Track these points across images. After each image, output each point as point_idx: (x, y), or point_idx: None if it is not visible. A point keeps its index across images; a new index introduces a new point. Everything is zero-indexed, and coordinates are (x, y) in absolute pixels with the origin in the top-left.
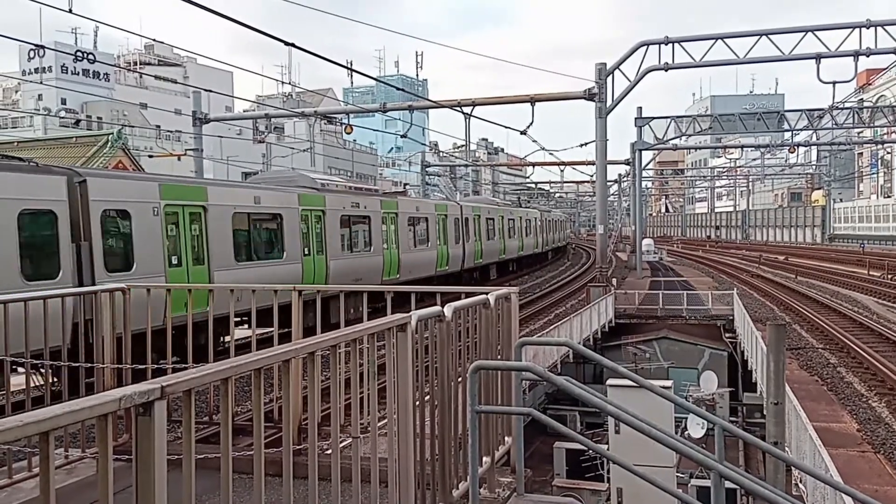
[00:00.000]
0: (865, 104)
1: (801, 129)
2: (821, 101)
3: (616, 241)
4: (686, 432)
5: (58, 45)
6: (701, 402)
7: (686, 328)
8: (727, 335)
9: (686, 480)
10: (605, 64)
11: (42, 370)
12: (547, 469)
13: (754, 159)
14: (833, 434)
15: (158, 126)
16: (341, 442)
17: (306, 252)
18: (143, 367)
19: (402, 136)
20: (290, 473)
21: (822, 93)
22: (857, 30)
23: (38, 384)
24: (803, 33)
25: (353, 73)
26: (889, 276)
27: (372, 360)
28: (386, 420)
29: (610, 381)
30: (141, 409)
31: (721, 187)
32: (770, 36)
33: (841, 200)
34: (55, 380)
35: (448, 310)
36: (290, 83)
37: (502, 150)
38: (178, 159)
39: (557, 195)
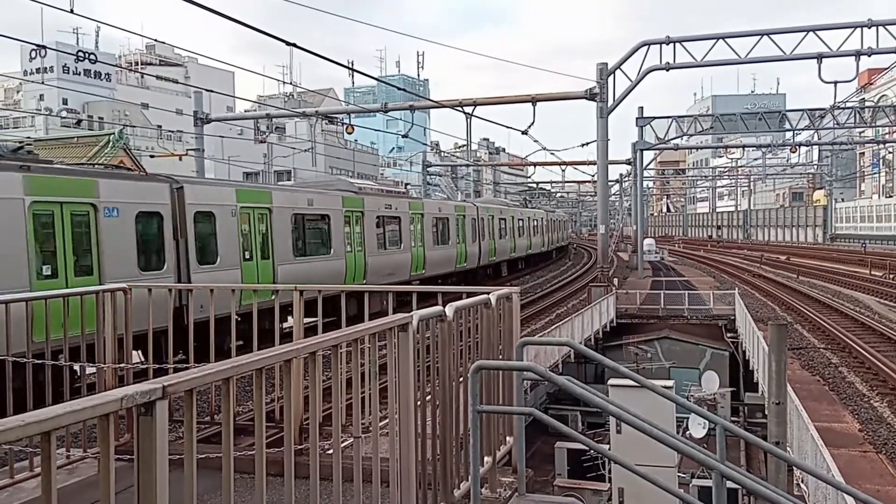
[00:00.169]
0: (867, 104)
1: (803, 129)
2: (822, 101)
3: (617, 241)
4: (687, 432)
5: (59, 46)
6: (702, 402)
7: (687, 328)
8: (729, 335)
9: (687, 480)
10: (606, 64)
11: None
12: (548, 469)
13: (756, 159)
14: (835, 434)
15: (160, 126)
16: (343, 442)
17: (349, 249)
18: (145, 366)
19: (403, 136)
20: (291, 473)
21: (823, 92)
22: (858, 29)
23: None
24: (804, 33)
25: (355, 73)
26: (891, 276)
27: (373, 360)
28: (387, 420)
29: (611, 381)
30: (142, 409)
31: (722, 187)
32: (771, 36)
33: (842, 200)
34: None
35: (449, 309)
36: (291, 83)
37: (503, 149)
38: (180, 159)
39: (559, 195)
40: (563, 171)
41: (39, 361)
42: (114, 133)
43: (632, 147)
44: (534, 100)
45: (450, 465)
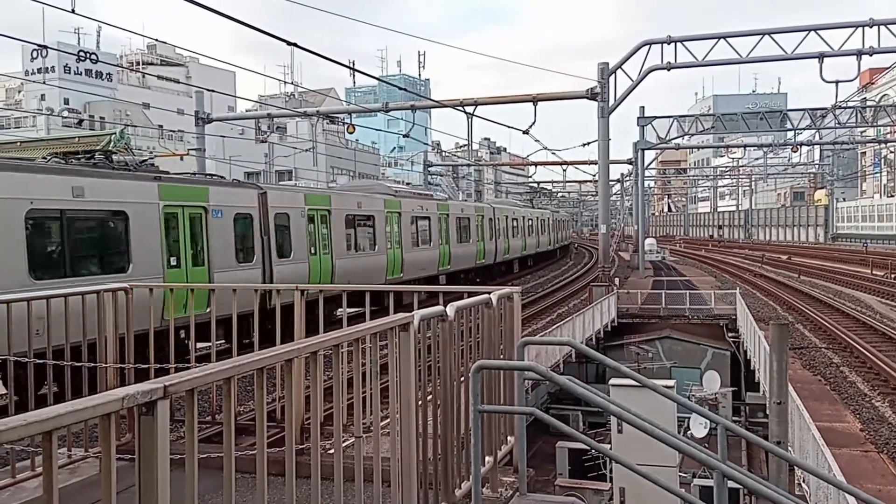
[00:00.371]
0: (868, 103)
1: (804, 129)
2: (823, 101)
3: (618, 241)
4: (689, 432)
5: (61, 46)
6: (703, 402)
7: (689, 328)
8: (730, 335)
9: (689, 480)
10: (607, 63)
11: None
12: (549, 469)
13: (757, 158)
14: (836, 434)
15: (161, 126)
16: (344, 441)
17: (389, 246)
18: (146, 366)
19: (404, 136)
20: (292, 473)
21: (824, 92)
22: (859, 29)
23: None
24: (806, 32)
25: (356, 73)
26: (892, 276)
27: (374, 360)
28: (388, 419)
29: (612, 381)
30: (144, 409)
31: (724, 187)
32: (772, 35)
33: (844, 200)
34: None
35: (451, 309)
36: (292, 83)
37: (505, 149)
38: (181, 159)
39: (560, 195)
40: (565, 170)
41: (40, 361)
42: (115, 133)
43: (633, 147)
44: (535, 99)
45: (451, 464)
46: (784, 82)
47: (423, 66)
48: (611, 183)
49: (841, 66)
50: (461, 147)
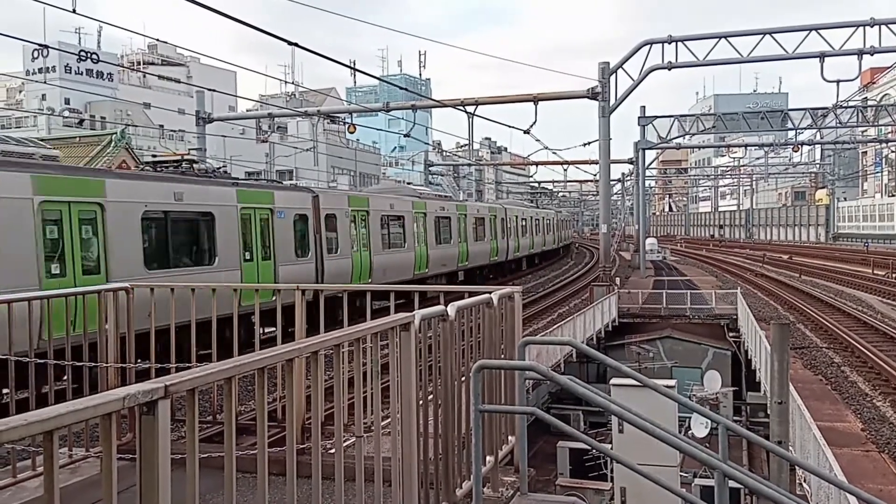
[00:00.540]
0: (869, 103)
1: (805, 128)
2: (824, 100)
3: (619, 241)
4: (690, 432)
5: (61, 45)
6: (704, 402)
7: (690, 327)
8: (731, 334)
9: (690, 480)
10: (608, 63)
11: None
12: (550, 468)
13: (758, 158)
14: (837, 433)
15: (162, 126)
16: (345, 441)
17: (417, 243)
18: (147, 366)
19: (405, 136)
20: (293, 473)
21: (825, 91)
22: (860, 28)
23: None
24: (807, 32)
25: (357, 73)
26: (893, 276)
27: (375, 360)
28: (389, 419)
29: (613, 381)
30: (145, 409)
31: (724, 186)
32: (773, 35)
33: (845, 199)
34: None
35: (451, 309)
36: (293, 83)
37: (505, 149)
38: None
39: (561, 194)
40: (566, 170)
41: (41, 361)
42: (116, 133)
43: (634, 146)
44: (536, 99)
45: (452, 464)
46: (785, 82)
47: (424, 66)
48: (611, 183)
49: (842, 66)
50: (462, 147)
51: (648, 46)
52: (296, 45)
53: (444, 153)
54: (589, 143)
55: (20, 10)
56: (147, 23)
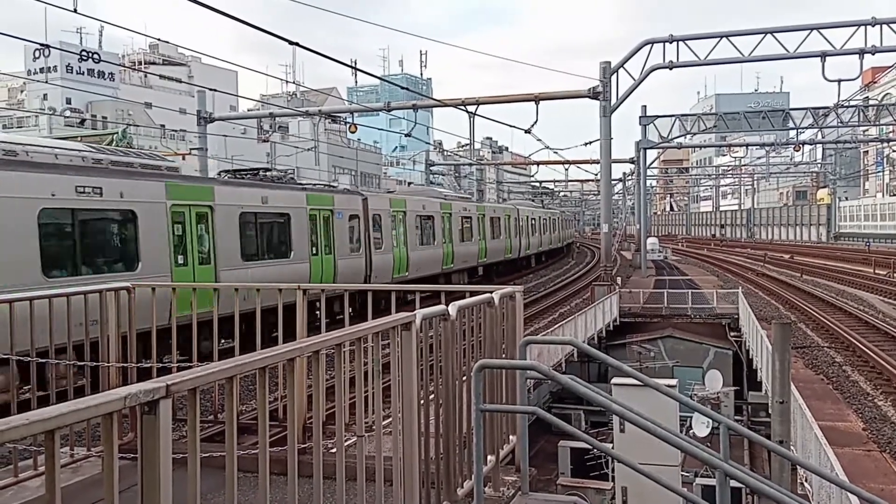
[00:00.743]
0: (871, 102)
1: (806, 128)
2: (826, 100)
3: (620, 240)
4: (691, 431)
5: (63, 45)
6: (706, 401)
7: (691, 327)
8: (732, 334)
9: (691, 479)
10: (609, 62)
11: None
12: (551, 468)
13: (759, 158)
14: (838, 433)
15: (163, 125)
16: (346, 440)
17: (444, 241)
18: (148, 365)
19: (406, 136)
20: (294, 472)
21: (827, 91)
22: (862, 28)
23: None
24: (808, 31)
25: (358, 73)
26: (895, 275)
27: (376, 359)
28: (390, 419)
29: (615, 380)
30: (146, 408)
31: (726, 186)
32: (775, 34)
33: (846, 199)
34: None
35: (453, 308)
36: (294, 82)
37: (506, 148)
38: (183, 158)
39: (562, 194)
40: (567, 169)
41: (43, 360)
42: (117, 132)
43: (635, 146)
44: (537, 98)
45: (453, 463)
46: (786, 81)
47: (425, 66)
48: (613, 182)
49: (843, 65)
50: (463, 146)
51: (649, 46)
52: (297, 44)
53: (446, 153)
54: (590, 143)
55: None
56: (148, 22)
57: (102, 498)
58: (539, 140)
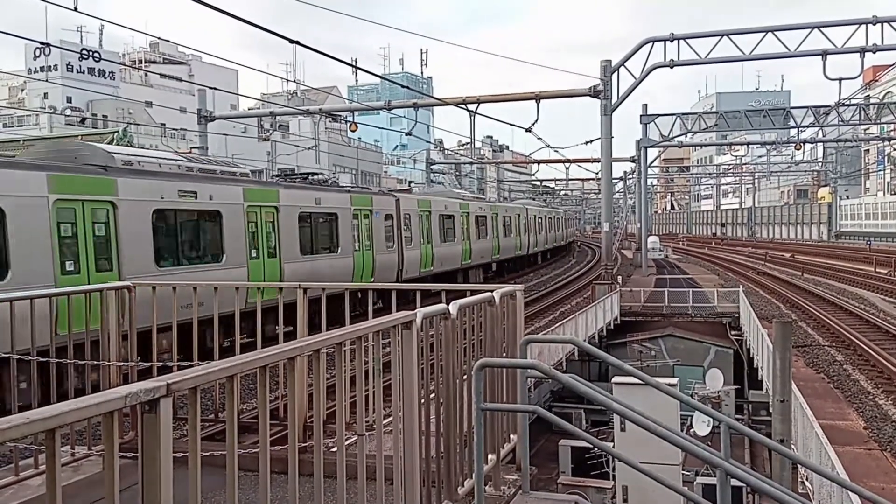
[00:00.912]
0: (872, 101)
1: (807, 126)
2: (827, 98)
3: (621, 239)
4: (692, 430)
5: (63, 44)
6: (706, 400)
7: (692, 326)
8: (733, 333)
9: (692, 478)
10: (610, 61)
11: None
12: (552, 467)
13: (760, 156)
14: (839, 432)
15: (164, 124)
16: (346, 439)
17: (464, 238)
18: (149, 364)
19: (406, 134)
20: (295, 471)
21: (828, 89)
22: (863, 26)
23: None
24: (809, 30)
25: (358, 71)
26: (895, 274)
27: (377, 358)
28: (391, 417)
29: (615, 379)
30: (147, 407)
31: (727, 184)
32: (776, 32)
33: (847, 197)
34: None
35: (453, 307)
36: (294, 81)
37: (507, 147)
38: None
39: (563, 193)
40: (567, 168)
41: (43, 359)
42: (118, 131)
43: (636, 144)
44: (538, 97)
45: (454, 462)
46: (787, 80)
47: (426, 64)
48: (613, 181)
49: (844, 64)
50: (464, 145)
51: (650, 44)
52: (297, 43)
53: (446, 151)
54: (591, 142)
55: (22, 8)
56: (149, 21)
57: (103, 497)
58: (540, 139)
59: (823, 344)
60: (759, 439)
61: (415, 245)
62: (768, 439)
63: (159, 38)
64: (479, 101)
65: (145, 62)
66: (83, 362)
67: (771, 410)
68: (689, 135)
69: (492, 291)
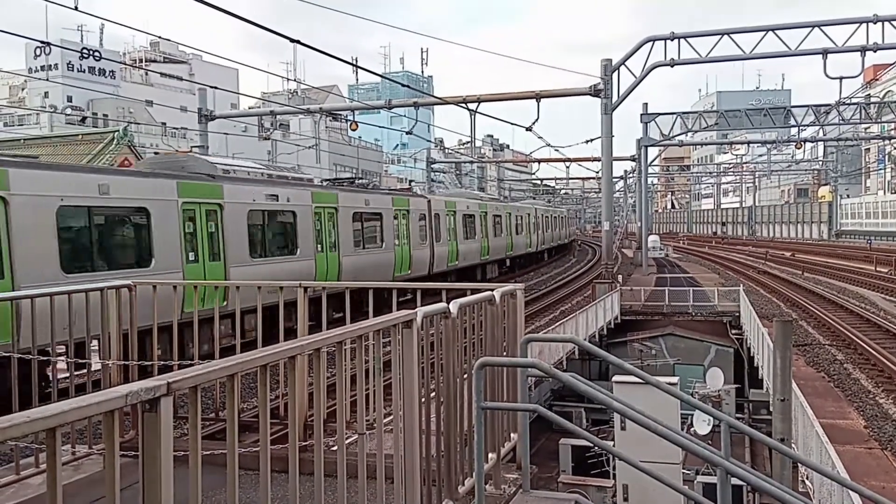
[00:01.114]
0: (872, 100)
1: (808, 125)
2: (827, 97)
3: (622, 238)
4: (692, 429)
5: (64, 43)
6: (707, 399)
7: (692, 325)
8: (733, 332)
9: (692, 477)
10: (610, 60)
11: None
12: (552, 466)
13: (760, 155)
14: (840, 431)
15: (164, 123)
16: (347, 438)
17: (482, 236)
18: (149, 363)
19: (407, 133)
20: (296, 470)
21: (828, 88)
22: (863, 25)
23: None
24: (810, 28)
25: (359, 70)
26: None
27: (377, 357)
28: (391, 416)
29: (616, 378)
30: (147, 406)
31: (727, 183)
32: (776, 31)
33: (848, 196)
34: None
35: (454, 306)
36: (295, 80)
37: (508, 146)
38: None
39: (563, 192)
40: (568, 167)
41: (44, 358)
42: (118, 130)
43: (636, 143)
44: (538, 96)
45: (454, 461)
46: (788, 79)
47: (426, 63)
48: (614, 180)
49: (845, 63)
50: (464, 144)
51: (651, 43)
52: (298, 42)
53: (447, 150)
54: (591, 141)
55: (22, 7)
56: (149, 20)
57: (104, 495)
58: (540, 137)
59: (824, 343)
60: (759, 438)
61: (443, 242)
62: (769, 438)
63: (160, 38)
64: (479, 100)
65: (146, 61)
66: (84, 361)
67: (771, 409)
68: (690, 134)
69: (492, 290)
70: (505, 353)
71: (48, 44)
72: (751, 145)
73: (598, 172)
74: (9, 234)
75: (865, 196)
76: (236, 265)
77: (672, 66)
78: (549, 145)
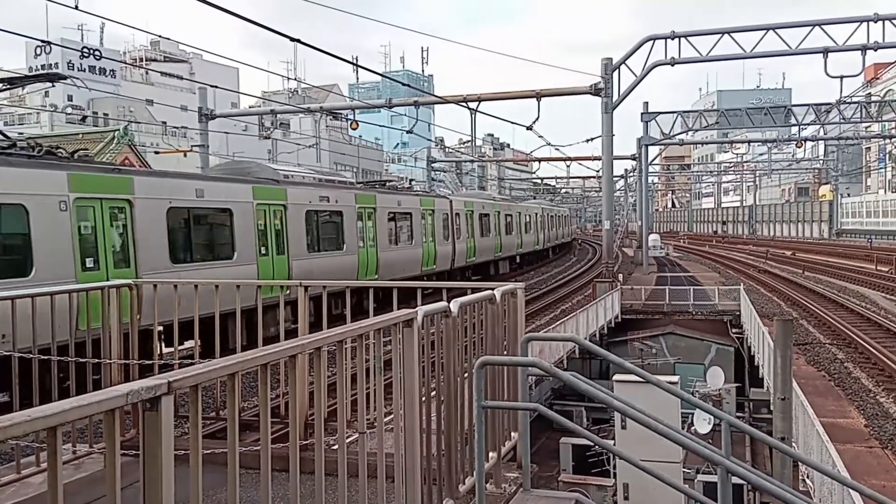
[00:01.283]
0: (873, 98)
1: (809, 124)
2: (828, 96)
3: (622, 237)
4: (692, 428)
5: (64, 42)
6: (707, 398)
7: (692, 324)
8: (734, 331)
9: (693, 476)
10: (611, 59)
11: None
12: (553, 464)
13: (761, 154)
14: (840, 429)
15: (164, 122)
16: (347, 437)
17: (496, 233)
18: (150, 362)
19: (407, 132)
20: (296, 469)
21: (829, 87)
22: (864, 24)
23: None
24: (810, 27)
25: (359, 69)
26: None
27: (378, 356)
28: (392, 415)
29: (616, 377)
30: (148, 405)
31: (728, 182)
32: (777, 30)
33: (848, 195)
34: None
35: (454, 305)
36: (295, 79)
37: (508, 145)
38: (185, 155)
39: (563, 191)
40: (568, 166)
41: (45, 357)
42: (119, 129)
43: (637, 142)
44: (538, 95)
45: (455, 460)
46: (788, 77)
47: (427, 63)
48: (614, 179)
49: (845, 62)
50: (465, 143)
51: (651, 42)
52: (298, 41)
53: (447, 149)
54: (592, 140)
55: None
56: (149, 19)
57: (104, 494)
58: (541, 136)
59: (824, 342)
60: (759, 437)
61: (463, 239)
62: (769, 437)
63: (160, 37)
64: (479, 100)
65: (146, 60)
66: (84, 360)
67: (772, 408)
68: (690, 132)
69: (492, 289)
70: (505, 352)
71: (48, 43)
72: (751, 144)
73: (598, 171)
74: (133, 231)
75: (866, 195)
76: (297, 258)
77: (672, 65)
78: (549, 144)
